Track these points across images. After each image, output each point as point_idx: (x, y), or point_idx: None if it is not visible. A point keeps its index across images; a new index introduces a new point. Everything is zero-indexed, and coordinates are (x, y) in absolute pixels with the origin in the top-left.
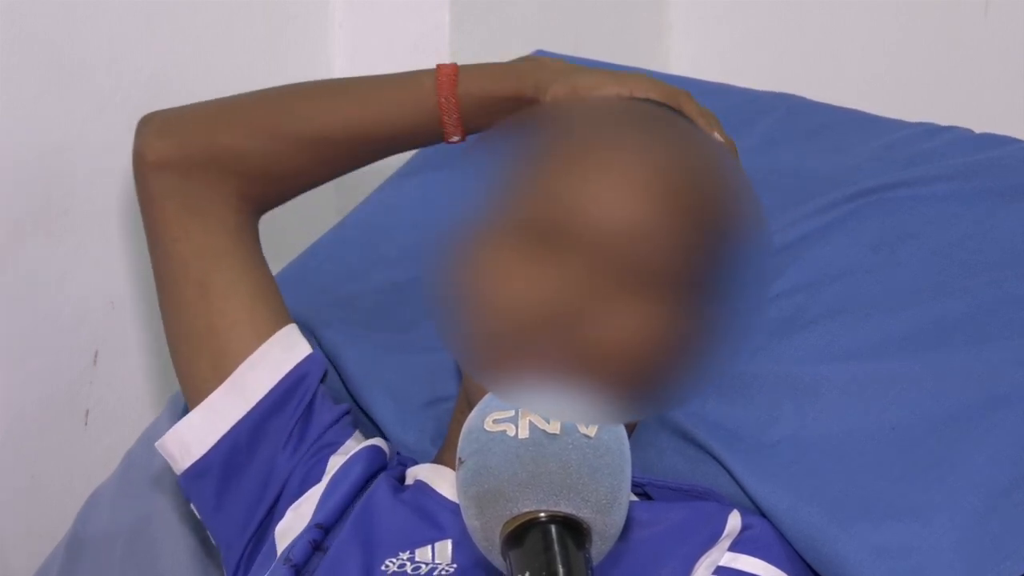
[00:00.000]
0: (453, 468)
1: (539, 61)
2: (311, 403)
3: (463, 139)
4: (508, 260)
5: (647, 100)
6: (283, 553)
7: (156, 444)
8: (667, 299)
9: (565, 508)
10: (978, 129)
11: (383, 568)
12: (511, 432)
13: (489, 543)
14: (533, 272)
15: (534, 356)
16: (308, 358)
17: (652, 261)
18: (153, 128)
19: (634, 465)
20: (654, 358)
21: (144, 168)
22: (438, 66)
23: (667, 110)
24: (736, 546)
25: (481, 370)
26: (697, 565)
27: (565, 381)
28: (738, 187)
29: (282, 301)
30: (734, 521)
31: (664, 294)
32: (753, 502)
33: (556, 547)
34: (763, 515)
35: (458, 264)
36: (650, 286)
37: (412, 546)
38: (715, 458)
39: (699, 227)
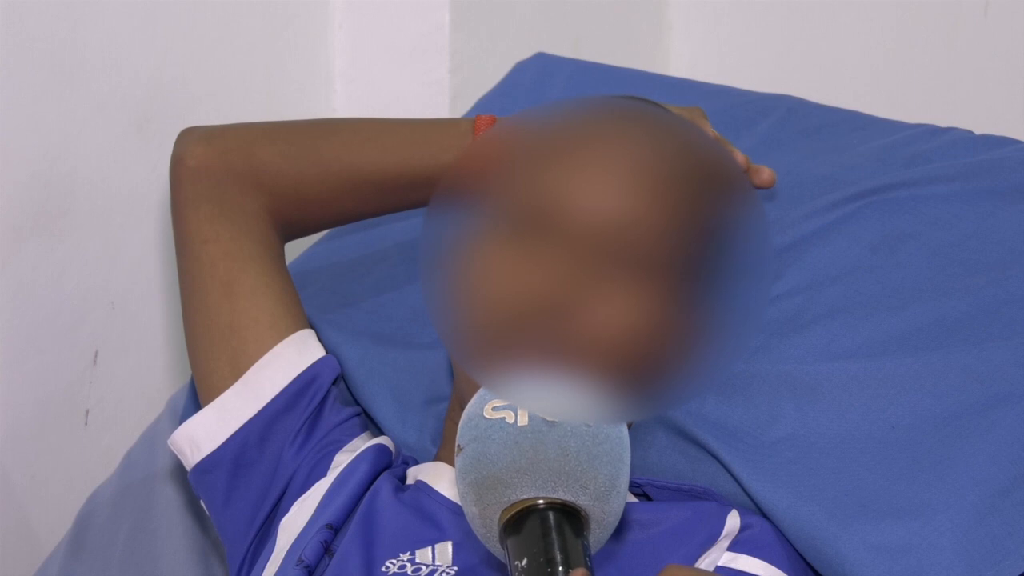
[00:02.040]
0: (452, 465)
1: None
2: (321, 404)
3: None
4: (497, 253)
5: (635, 98)
6: (294, 551)
7: (168, 440)
8: (656, 289)
9: (563, 495)
10: (978, 130)
11: (383, 569)
12: (510, 419)
13: (488, 530)
14: (521, 264)
15: (523, 348)
16: (321, 360)
17: (636, 248)
18: (195, 136)
19: (634, 464)
20: (647, 350)
21: (183, 172)
22: (477, 115)
23: (656, 106)
24: (735, 546)
25: (474, 365)
26: (697, 565)
27: (556, 374)
28: (731, 180)
29: (302, 308)
30: (733, 521)
31: (652, 283)
32: (753, 501)
33: (554, 534)
34: (763, 514)
35: (452, 260)
36: (636, 275)
37: (412, 547)
38: (715, 457)
39: (686, 216)
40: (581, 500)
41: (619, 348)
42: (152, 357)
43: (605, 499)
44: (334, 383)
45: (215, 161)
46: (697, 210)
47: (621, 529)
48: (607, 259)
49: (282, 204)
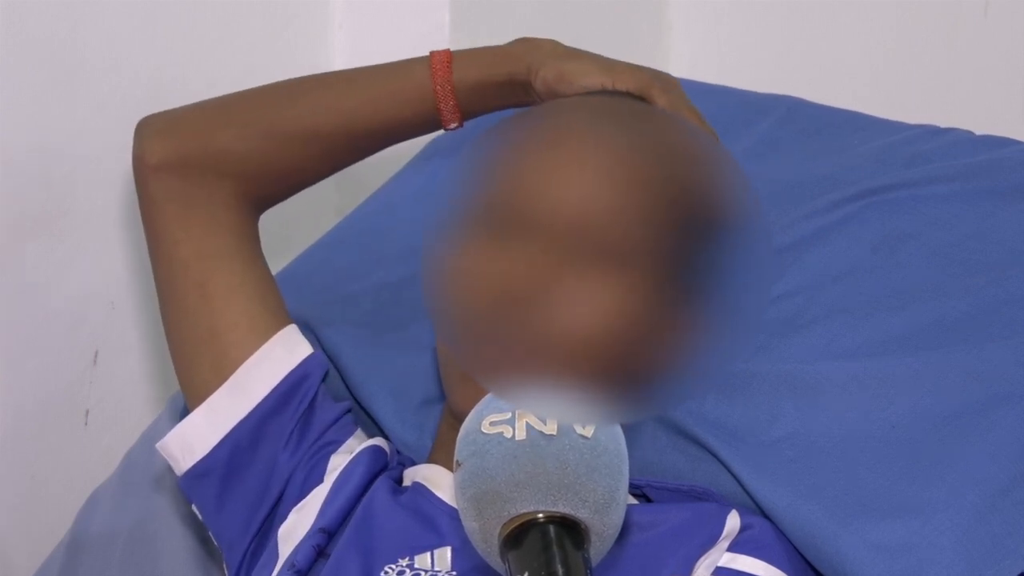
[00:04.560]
0: (448, 468)
1: (531, 43)
2: (312, 403)
3: (461, 124)
4: (476, 246)
5: (623, 93)
6: (288, 558)
7: (157, 445)
8: (631, 283)
9: (563, 508)
10: (978, 130)
11: (382, 574)
12: (508, 434)
13: (488, 545)
14: (495, 256)
15: (500, 339)
16: (309, 358)
17: (603, 240)
18: (151, 131)
19: (633, 464)
20: (632, 347)
21: (145, 171)
22: (431, 53)
23: (641, 102)
24: (735, 546)
25: (462, 357)
26: (696, 566)
27: (536, 366)
28: (721, 174)
29: (282, 301)
30: (733, 521)
31: (625, 276)
32: (753, 500)
33: (555, 547)
34: (763, 513)
35: (442, 256)
36: (606, 267)
37: (411, 552)
38: (715, 456)
39: (666, 209)
40: (581, 513)
41: (595, 341)
42: (152, 357)
43: (605, 511)
44: (323, 380)
45: (174, 156)
46: (677, 203)
47: (620, 531)
48: (573, 251)
49: (250, 184)
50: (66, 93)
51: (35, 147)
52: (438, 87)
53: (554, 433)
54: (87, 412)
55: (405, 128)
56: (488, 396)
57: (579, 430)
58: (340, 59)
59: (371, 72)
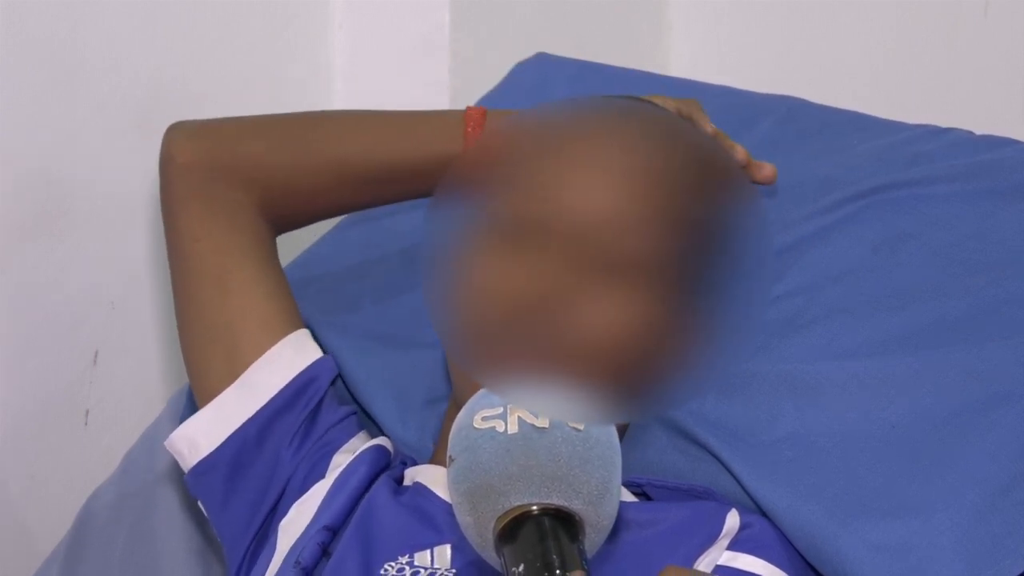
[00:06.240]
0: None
1: None
2: (319, 405)
3: None
4: (489, 252)
5: (631, 97)
6: (293, 553)
7: (165, 442)
8: (645, 289)
9: (557, 500)
10: (978, 130)
11: (382, 572)
12: (500, 428)
13: (483, 539)
14: (509, 263)
15: (512, 347)
16: (319, 361)
17: (621, 248)
18: (183, 132)
19: (634, 464)
20: (640, 351)
21: (172, 169)
22: (467, 107)
23: (649, 104)
24: (735, 545)
25: (470, 363)
26: (696, 565)
27: (548, 373)
28: (728, 178)
29: (295, 306)
30: (732, 520)
31: (641, 283)
32: (753, 500)
33: (549, 539)
34: (763, 513)
35: (449, 257)
36: (623, 275)
37: (411, 550)
38: (715, 456)
39: (677, 216)
40: (575, 504)
41: (608, 348)
42: (152, 357)
43: (599, 503)
44: (331, 384)
45: (204, 157)
46: (690, 209)
47: (619, 529)
48: (591, 259)
49: (272, 197)
50: (66, 93)
51: (35, 147)
52: (469, 129)
53: (546, 426)
54: (87, 412)
55: (429, 171)
56: (480, 392)
57: (571, 423)
58: (340, 59)
59: (407, 112)
